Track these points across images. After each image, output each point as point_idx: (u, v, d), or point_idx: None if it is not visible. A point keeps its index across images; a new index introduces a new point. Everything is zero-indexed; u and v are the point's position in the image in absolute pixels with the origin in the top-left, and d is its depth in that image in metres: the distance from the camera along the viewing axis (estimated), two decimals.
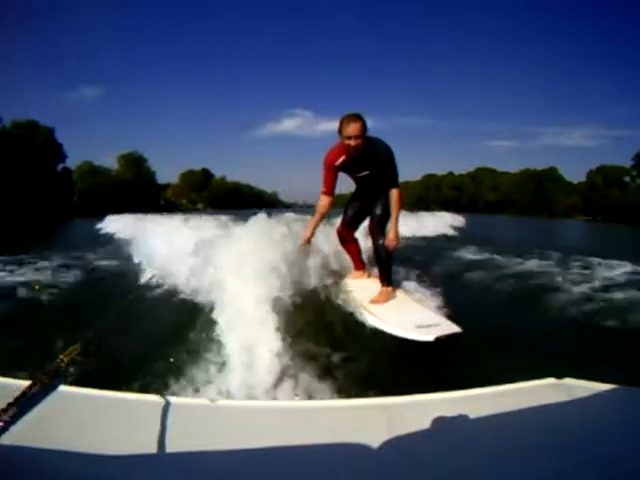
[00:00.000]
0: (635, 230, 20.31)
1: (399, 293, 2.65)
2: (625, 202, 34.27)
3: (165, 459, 0.74)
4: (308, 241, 2.62)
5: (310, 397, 1.65)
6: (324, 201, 2.59)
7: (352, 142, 2.32)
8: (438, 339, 1.91)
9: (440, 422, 0.82)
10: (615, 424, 0.84)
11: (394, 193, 2.49)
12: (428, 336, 1.93)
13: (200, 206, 47.54)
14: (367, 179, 2.58)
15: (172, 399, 0.90)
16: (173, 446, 0.75)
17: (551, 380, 0.98)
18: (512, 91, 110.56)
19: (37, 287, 3.60)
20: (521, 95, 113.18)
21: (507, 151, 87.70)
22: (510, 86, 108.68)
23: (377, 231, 2.58)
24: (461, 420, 0.83)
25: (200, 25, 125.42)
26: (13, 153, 23.14)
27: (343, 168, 2.55)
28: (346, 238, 2.89)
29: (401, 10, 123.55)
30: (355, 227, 2.89)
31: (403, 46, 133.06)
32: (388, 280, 2.59)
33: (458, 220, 12.16)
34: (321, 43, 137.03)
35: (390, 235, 2.51)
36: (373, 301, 2.47)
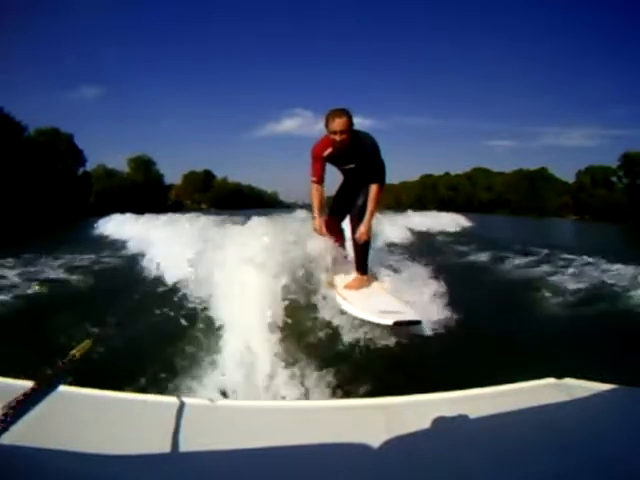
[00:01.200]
0: (620, 229, 20.68)
1: (374, 282, 2.76)
2: (612, 202, 34.79)
3: (165, 459, 0.74)
4: (321, 230, 2.74)
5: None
6: (316, 189, 2.67)
7: (337, 137, 2.36)
8: (396, 324, 2.02)
9: (440, 422, 0.82)
10: (615, 424, 0.84)
11: (373, 188, 2.54)
12: (388, 320, 2.04)
13: (204, 206, 48.56)
14: (353, 172, 2.63)
15: (172, 399, 0.90)
16: (173, 446, 0.75)
17: (551, 380, 0.98)
18: (512, 91, 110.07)
19: (37, 287, 3.60)
20: (521, 95, 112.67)
21: (507, 151, 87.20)
22: (510, 86, 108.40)
23: (357, 222, 2.64)
24: (461, 420, 0.83)
25: (200, 25, 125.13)
26: (38, 159, 24.42)
27: (330, 160, 2.60)
28: (331, 228, 2.91)
29: (401, 10, 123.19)
30: (341, 218, 2.93)
31: (403, 46, 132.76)
32: (363, 268, 2.69)
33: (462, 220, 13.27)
34: (321, 43, 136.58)
35: (361, 228, 2.57)
36: (347, 286, 2.60)
